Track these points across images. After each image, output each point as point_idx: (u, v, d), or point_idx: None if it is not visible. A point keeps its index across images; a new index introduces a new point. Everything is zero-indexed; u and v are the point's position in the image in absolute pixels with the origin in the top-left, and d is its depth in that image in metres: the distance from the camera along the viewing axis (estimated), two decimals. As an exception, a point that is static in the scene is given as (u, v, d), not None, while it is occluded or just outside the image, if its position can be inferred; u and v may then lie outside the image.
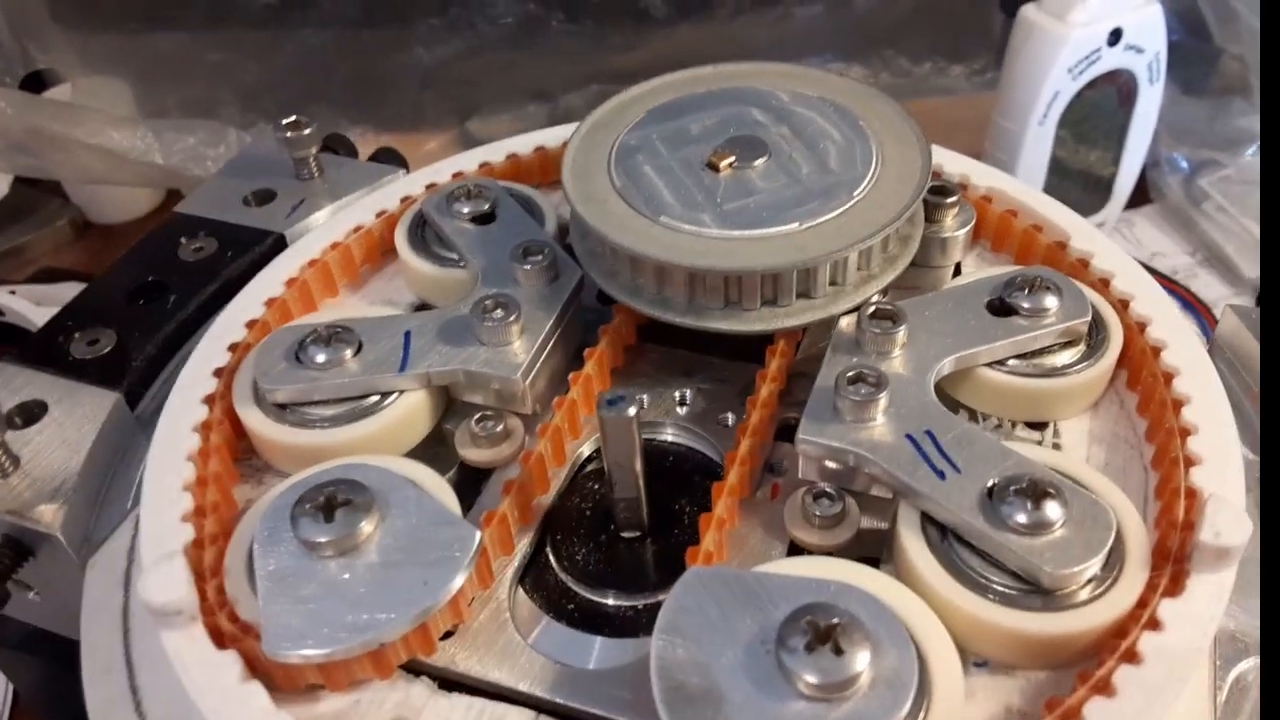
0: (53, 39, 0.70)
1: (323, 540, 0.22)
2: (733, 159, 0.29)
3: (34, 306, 0.58)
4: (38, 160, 0.67)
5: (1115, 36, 0.54)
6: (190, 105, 0.72)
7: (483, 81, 0.71)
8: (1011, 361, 0.27)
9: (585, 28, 0.68)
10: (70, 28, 0.70)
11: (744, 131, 0.30)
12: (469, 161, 0.36)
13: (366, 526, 0.23)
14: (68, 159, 0.67)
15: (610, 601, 0.25)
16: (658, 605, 0.24)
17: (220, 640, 0.22)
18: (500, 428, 0.28)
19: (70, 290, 0.60)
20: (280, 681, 0.22)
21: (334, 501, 0.23)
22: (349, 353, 0.27)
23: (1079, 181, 0.59)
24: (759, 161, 0.29)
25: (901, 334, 0.26)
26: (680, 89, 0.33)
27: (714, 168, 0.29)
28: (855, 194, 0.28)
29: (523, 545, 0.26)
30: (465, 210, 0.32)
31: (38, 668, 0.32)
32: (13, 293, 0.58)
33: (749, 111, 0.31)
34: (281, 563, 0.22)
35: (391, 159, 0.40)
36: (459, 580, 0.22)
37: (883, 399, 0.24)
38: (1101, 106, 0.57)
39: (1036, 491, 0.22)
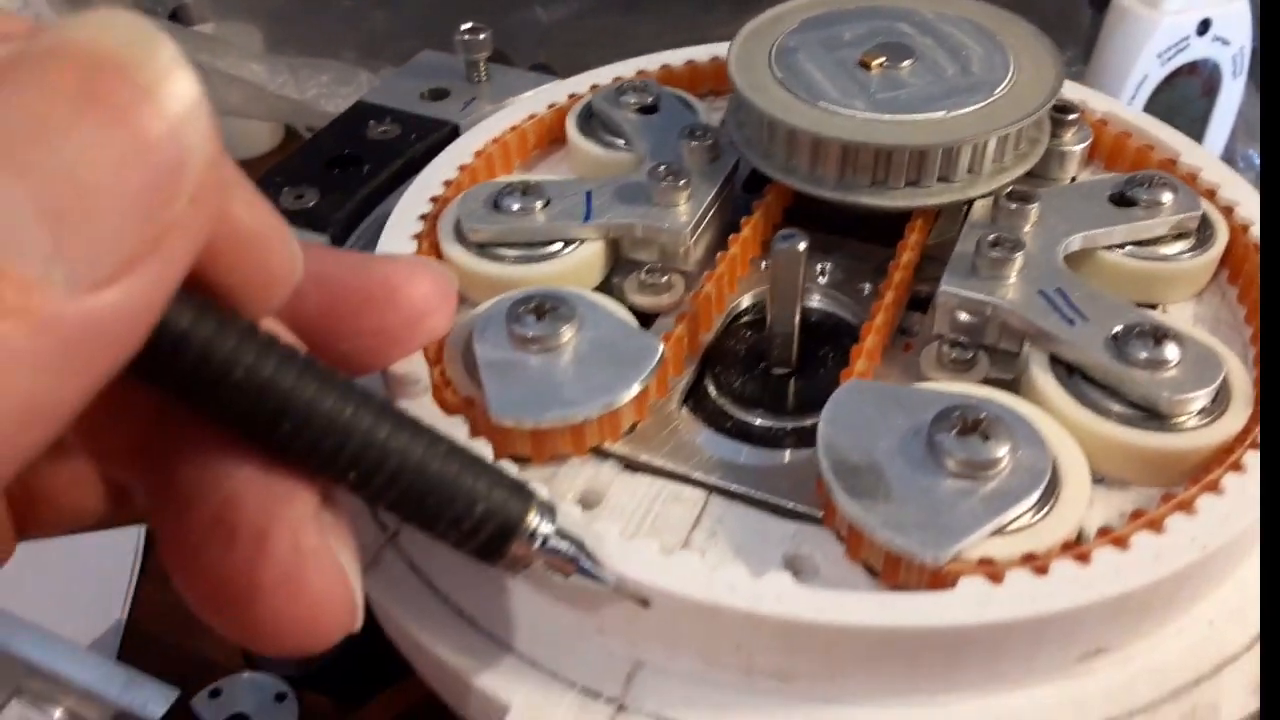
0: (190, -21, 0.76)
1: (532, 335, 0.26)
2: (883, 59, 0.33)
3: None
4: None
5: (1204, 26, 0.57)
6: (316, 51, 0.77)
7: (589, 43, 0.76)
8: (1128, 247, 0.30)
9: (694, -6, 0.72)
10: (206, -31, 0.75)
11: (893, 39, 0.34)
12: (627, 69, 0.40)
13: (567, 331, 0.27)
14: (206, 90, 0.73)
15: (758, 422, 0.29)
16: (802, 427, 0.28)
17: (447, 409, 0.26)
18: (665, 279, 0.31)
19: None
20: (495, 450, 0.25)
21: (542, 308, 0.27)
22: (539, 204, 0.31)
23: (1156, 172, 0.62)
24: (906, 63, 0.32)
25: (1034, 211, 0.29)
26: (831, 4, 0.36)
27: (866, 66, 0.33)
28: (995, 92, 0.31)
29: (687, 374, 0.29)
30: (632, 101, 0.36)
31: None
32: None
33: (896, 25, 0.34)
34: (498, 354, 0.26)
35: (547, 71, 0.44)
36: (645, 380, 0.26)
37: (1018, 259, 0.28)
38: (1185, 96, 0.60)
39: (1158, 335, 0.25)
